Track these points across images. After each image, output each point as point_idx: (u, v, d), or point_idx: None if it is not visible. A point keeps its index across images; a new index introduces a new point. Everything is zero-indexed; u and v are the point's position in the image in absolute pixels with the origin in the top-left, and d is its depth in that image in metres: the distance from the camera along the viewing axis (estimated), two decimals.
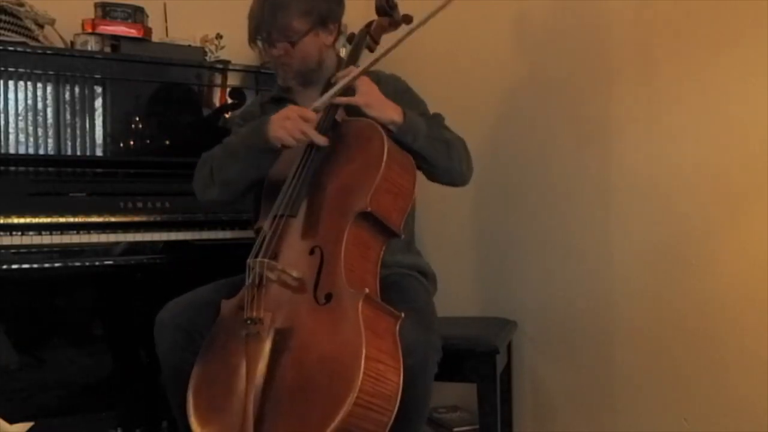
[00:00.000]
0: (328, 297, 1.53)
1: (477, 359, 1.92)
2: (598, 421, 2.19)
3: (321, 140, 1.72)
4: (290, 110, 1.75)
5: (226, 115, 2.55)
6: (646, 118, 2.04)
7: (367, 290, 1.51)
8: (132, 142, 2.39)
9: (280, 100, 2.00)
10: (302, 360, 1.46)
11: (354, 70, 1.76)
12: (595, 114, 2.19)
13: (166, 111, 2.46)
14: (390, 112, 1.74)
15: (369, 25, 1.97)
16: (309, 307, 1.54)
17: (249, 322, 1.51)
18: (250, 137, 1.81)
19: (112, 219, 2.19)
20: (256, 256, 1.60)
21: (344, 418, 1.35)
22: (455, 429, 2.42)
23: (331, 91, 1.74)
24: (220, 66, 2.56)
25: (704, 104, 1.89)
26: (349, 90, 1.75)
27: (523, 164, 2.45)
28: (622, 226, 2.11)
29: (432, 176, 1.88)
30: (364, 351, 1.39)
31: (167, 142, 2.44)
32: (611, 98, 2.13)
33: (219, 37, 2.66)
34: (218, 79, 2.55)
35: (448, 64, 2.64)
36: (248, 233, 2.30)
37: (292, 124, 1.71)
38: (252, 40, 1.91)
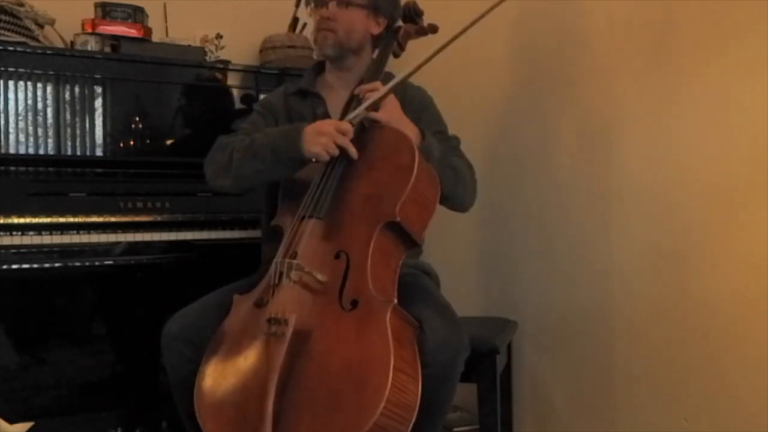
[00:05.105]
0: (354, 303, 1.52)
1: (477, 359, 1.91)
2: (598, 421, 2.19)
3: (355, 154, 1.70)
4: (325, 124, 1.73)
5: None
6: (647, 118, 2.04)
7: (395, 300, 1.52)
8: (132, 142, 2.39)
9: (306, 95, 2.00)
10: (325, 364, 1.45)
11: (381, 87, 1.75)
12: (595, 114, 2.19)
13: (166, 111, 2.45)
14: (409, 133, 1.74)
15: (396, 30, 1.98)
16: (333, 312, 1.52)
17: (272, 322, 1.49)
18: (281, 144, 1.76)
19: (112, 219, 2.18)
20: (282, 257, 1.60)
21: (371, 428, 1.35)
22: (455, 429, 2.42)
23: (365, 104, 1.74)
24: (220, 66, 2.56)
25: (704, 105, 1.89)
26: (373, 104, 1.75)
27: (523, 164, 2.45)
28: (622, 226, 2.11)
29: None
30: (392, 361, 1.40)
31: (167, 142, 2.44)
32: (612, 99, 2.13)
33: (219, 37, 2.66)
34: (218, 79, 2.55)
35: (448, 64, 2.63)
36: (249, 233, 2.31)
37: (328, 140, 1.68)
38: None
